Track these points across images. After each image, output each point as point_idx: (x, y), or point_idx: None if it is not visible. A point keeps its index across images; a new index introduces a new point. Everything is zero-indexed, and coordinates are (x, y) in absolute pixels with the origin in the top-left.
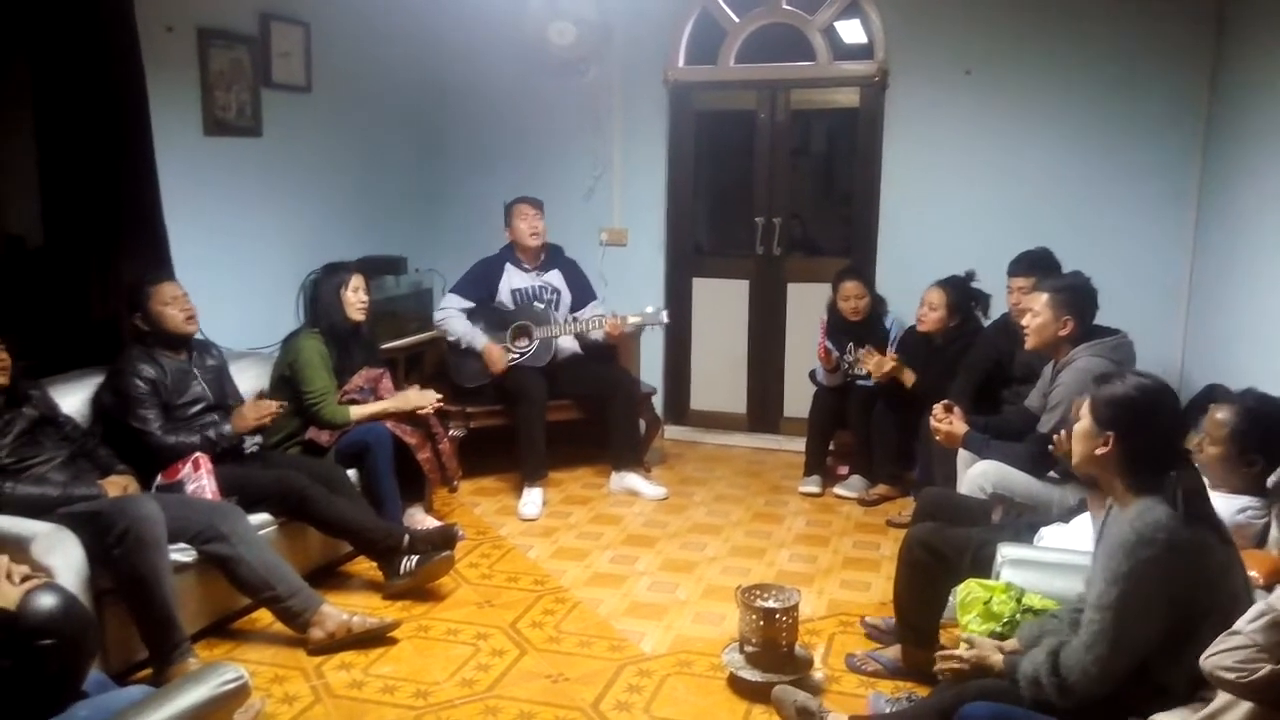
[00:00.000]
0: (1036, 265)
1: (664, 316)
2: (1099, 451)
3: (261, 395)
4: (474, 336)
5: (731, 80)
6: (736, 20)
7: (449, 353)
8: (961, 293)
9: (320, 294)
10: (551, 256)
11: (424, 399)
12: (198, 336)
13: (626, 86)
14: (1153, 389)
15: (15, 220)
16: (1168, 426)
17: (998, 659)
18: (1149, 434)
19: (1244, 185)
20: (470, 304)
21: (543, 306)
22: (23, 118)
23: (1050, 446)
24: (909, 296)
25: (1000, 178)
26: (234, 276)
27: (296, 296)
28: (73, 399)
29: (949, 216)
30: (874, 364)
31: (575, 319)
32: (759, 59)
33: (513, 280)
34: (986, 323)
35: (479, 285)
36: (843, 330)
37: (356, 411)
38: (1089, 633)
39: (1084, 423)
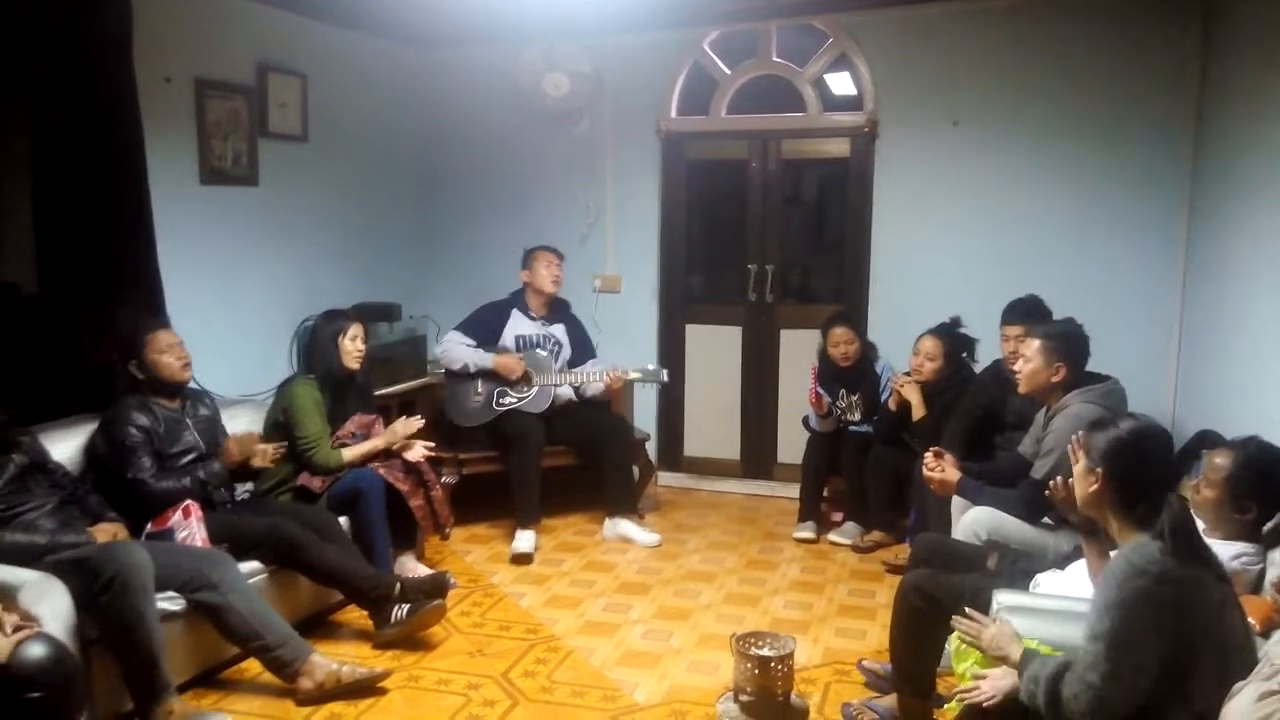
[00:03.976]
0: (1029, 313)
1: (664, 376)
2: (1092, 488)
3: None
4: (480, 356)
5: (723, 130)
6: (728, 72)
7: (447, 390)
8: (954, 340)
9: (317, 340)
10: (558, 309)
11: (409, 427)
12: (191, 386)
13: (620, 136)
14: (1141, 427)
15: (10, 267)
16: (1157, 462)
17: (1016, 650)
18: (1138, 469)
19: (1232, 233)
20: (472, 342)
21: (545, 354)
22: (19, 165)
23: (1046, 492)
24: (901, 342)
25: (989, 226)
26: (228, 324)
27: (290, 344)
28: (64, 446)
29: (939, 264)
30: (907, 386)
31: (575, 372)
32: (750, 110)
33: (518, 326)
34: (977, 368)
35: (484, 327)
36: (834, 376)
37: (348, 454)
38: (1083, 663)
39: (1080, 464)
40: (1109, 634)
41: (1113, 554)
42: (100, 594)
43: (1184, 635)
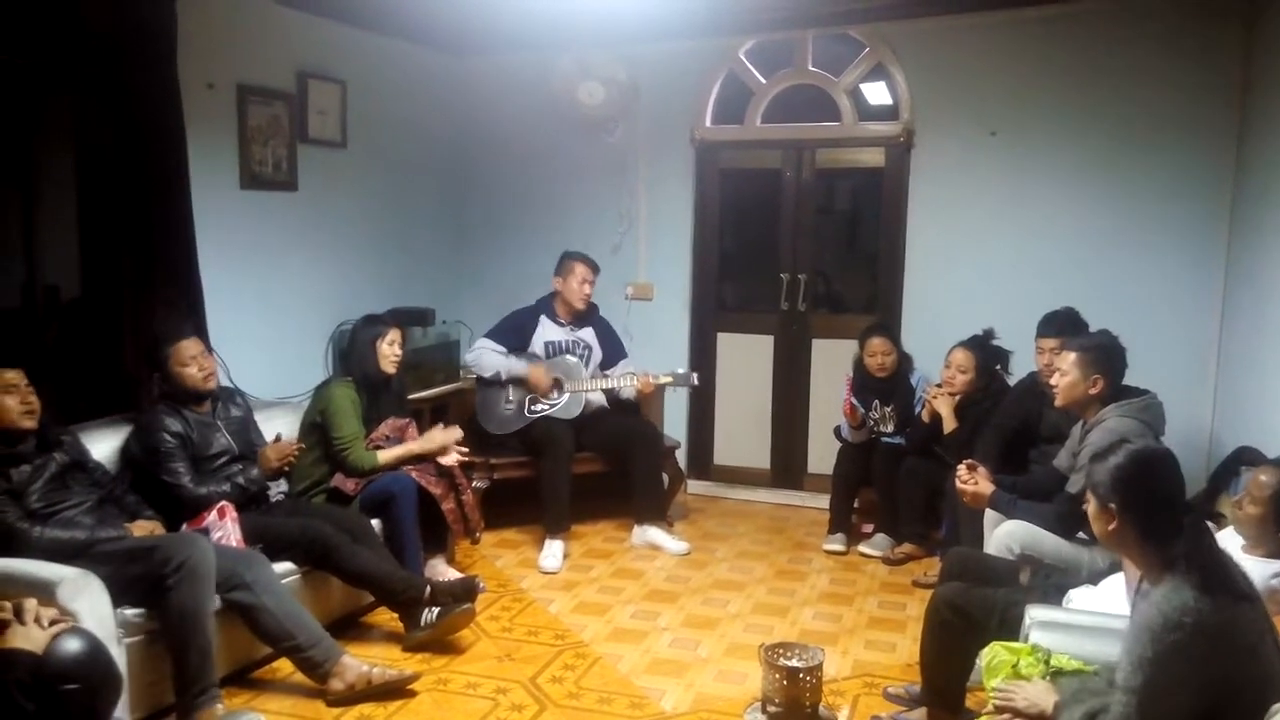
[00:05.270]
0: (1066, 326)
1: (694, 379)
2: (1110, 528)
3: (279, 437)
4: (512, 365)
5: (758, 140)
6: (763, 81)
7: (478, 397)
8: (986, 352)
9: (355, 344)
10: (586, 314)
11: (449, 436)
12: (222, 385)
13: (654, 145)
14: (1139, 451)
15: (53, 270)
16: (1168, 482)
17: (1050, 704)
18: (1149, 495)
19: (1273, 244)
20: (502, 349)
21: (575, 360)
22: (65, 170)
23: (1083, 506)
24: (934, 353)
25: (1025, 238)
26: (266, 326)
27: (327, 347)
28: (103, 445)
29: (974, 275)
30: (938, 399)
31: (606, 375)
32: (785, 119)
33: (547, 333)
34: (1011, 380)
35: (513, 334)
36: (868, 387)
37: (384, 455)
38: (1114, 713)
39: (1091, 505)
40: (1141, 690)
41: (1147, 599)
42: (169, 577)
43: (1220, 684)
